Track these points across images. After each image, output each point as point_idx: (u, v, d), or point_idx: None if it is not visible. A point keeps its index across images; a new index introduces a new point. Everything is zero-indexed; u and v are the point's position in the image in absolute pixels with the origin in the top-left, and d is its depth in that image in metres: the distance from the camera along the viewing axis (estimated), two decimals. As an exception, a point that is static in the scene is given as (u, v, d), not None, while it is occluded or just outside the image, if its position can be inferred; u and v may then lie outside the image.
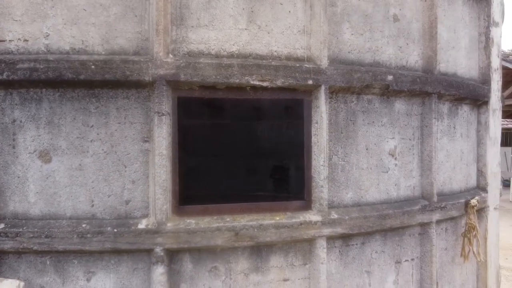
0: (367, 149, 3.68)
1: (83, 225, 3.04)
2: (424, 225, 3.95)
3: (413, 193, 3.96)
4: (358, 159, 3.64)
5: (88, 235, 3.00)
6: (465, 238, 4.31)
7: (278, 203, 3.44)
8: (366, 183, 3.68)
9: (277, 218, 3.32)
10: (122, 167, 3.13)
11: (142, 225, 3.08)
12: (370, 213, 3.58)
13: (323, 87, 3.38)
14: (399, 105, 3.85)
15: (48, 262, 3.06)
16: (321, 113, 3.39)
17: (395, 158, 3.82)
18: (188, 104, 3.80)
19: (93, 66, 3.00)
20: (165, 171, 3.08)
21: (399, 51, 3.82)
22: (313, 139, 3.45)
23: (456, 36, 4.32)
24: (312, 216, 3.41)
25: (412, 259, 3.95)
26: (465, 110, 4.51)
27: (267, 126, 6.80)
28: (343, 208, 3.59)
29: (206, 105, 6.41)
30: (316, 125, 3.43)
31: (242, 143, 6.73)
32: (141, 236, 3.04)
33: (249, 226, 3.21)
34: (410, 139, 3.92)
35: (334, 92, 3.52)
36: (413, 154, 3.94)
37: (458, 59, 4.36)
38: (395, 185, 3.83)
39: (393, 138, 3.80)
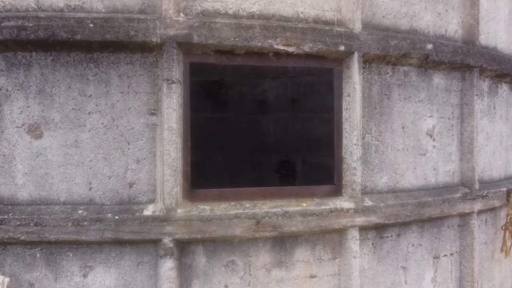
0: (403, 128, 3.23)
1: (79, 211, 2.59)
2: (465, 216, 3.50)
3: (452, 179, 3.51)
4: (393, 139, 3.19)
5: (85, 223, 2.55)
6: (506, 232, 3.86)
7: (305, 188, 2.99)
8: (402, 166, 3.23)
9: (304, 205, 2.87)
10: (125, 144, 2.68)
11: (148, 211, 2.63)
12: (408, 200, 3.13)
13: (356, 55, 2.93)
14: (438, 79, 3.40)
15: (38, 255, 2.61)
16: (354, 84, 2.94)
17: (433, 139, 3.37)
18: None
19: (91, 25, 2.56)
20: (175, 148, 2.63)
21: (437, 18, 3.38)
22: (344, 114, 3.00)
23: (496, 6, 3.87)
24: (344, 202, 2.96)
25: (451, 254, 3.50)
26: (504, 90, 4.06)
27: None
28: (377, 194, 3.14)
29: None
30: (347, 98, 2.98)
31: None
32: (147, 224, 2.59)
33: (272, 214, 2.76)
34: (449, 118, 3.47)
35: (367, 62, 3.07)
36: (452, 135, 3.49)
37: (498, 32, 3.92)
38: (433, 169, 3.38)
39: (431, 116, 3.35)
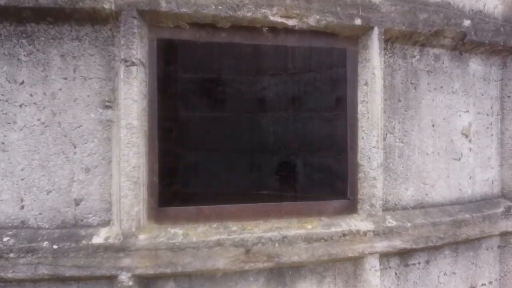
0: (433, 126, 2.55)
1: (5, 239, 1.90)
2: (506, 235, 2.82)
3: (491, 189, 2.83)
4: (422, 140, 2.52)
5: (11, 255, 1.87)
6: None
7: (309, 204, 2.31)
8: (432, 174, 2.55)
9: (309, 227, 2.19)
10: (70, 147, 2.00)
11: (99, 238, 1.95)
12: (440, 217, 2.45)
13: (376, 31, 2.25)
14: (475, 65, 2.72)
15: (-49, 296, 1.93)
16: (373, 70, 2.26)
17: (470, 140, 2.70)
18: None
19: (21, -15, 1.88)
20: (135, 152, 1.95)
21: (474, -11, 2.70)
22: (360, 108, 2.32)
23: (539, -21, 3.19)
24: (360, 223, 2.28)
25: (490, 283, 2.82)
26: (547, 80, 3.38)
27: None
28: (401, 210, 2.46)
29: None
30: (364, 87, 2.30)
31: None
32: (97, 256, 1.91)
33: (266, 239, 2.08)
34: (487, 114, 2.79)
35: (389, 41, 2.40)
36: (492, 135, 2.82)
37: (541, 11, 3.24)
38: (469, 177, 2.71)
39: (466, 111, 2.68)
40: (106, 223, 2.03)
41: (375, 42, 2.25)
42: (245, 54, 5.47)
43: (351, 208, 2.34)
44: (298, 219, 2.24)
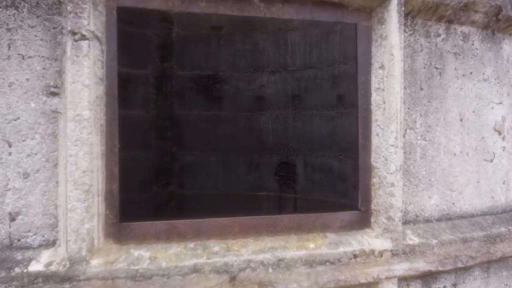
0: (461, 120, 2.10)
1: None
2: (545, 250, 2.37)
3: (527, 196, 2.38)
4: (448, 137, 2.07)
5: None
6: None
7: (311, 217, 1.85)
8: (460, 179, 2.10)
9: (311, 246, 1.74)
10: (3, 145, 1.55)
11: (39, 264, 1.49)
12: (472, 232, 2.00)
13: (394, 1, 1.80)
14: (510, 47, 2.27)
15: None
16: (391, 49, 1.81)
17: (503, 138, 2.25)
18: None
19: None
20: (87, 153, 1.50)
21: (508, -43, 2.25)
22: (375, 97, 1.87)
23: None
24: (375, 240, 1.83)
25: (526, 307, 2.37)
26: None
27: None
28: (424, 223, 2.01)
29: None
30: (380, 71, 1.85)
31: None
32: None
33: (257, 263, 1.63)
34: (523, 107, 2.34)
35: (410, 15, 1.95)
36: (528, 131, 2.37)
37: None
38: (503, 182, 2.26)
39: (500, 103, 2.23)
40: (51, 243, 1.58)
41: (393, 15, 1.80)
42: (243, 50, 5.15)
43: (363, 221, 1.89)
44: (298, 236, 1.79)
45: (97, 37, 1.55)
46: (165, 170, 4.27)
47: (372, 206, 1.89)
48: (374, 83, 1.87)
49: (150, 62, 4.08)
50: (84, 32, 1.49)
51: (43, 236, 1.58)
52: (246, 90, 5.89)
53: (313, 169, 5.40)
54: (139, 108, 3.95)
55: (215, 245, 1.68)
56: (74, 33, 1.48)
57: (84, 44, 1.49)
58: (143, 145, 3.89)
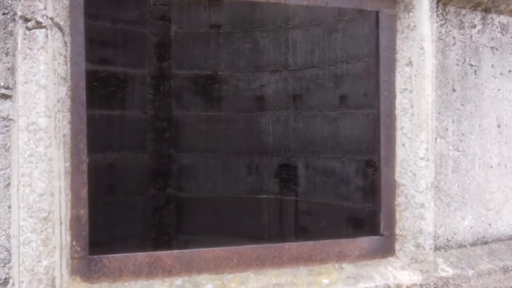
0: (498, 127, 1.79)
1: None
2: None
3: None
4: (484, 147, 1.76)
5: None
6: None
7: (324, 244, 1.53)
8: (498, 195, 1.79)
9: (325, 282, 1.42)
10: None
11: (-17, 312, 1.18)
12: (512, 259, 1.69)
13: (425, -16, 1.48)
14: (552, 41, 1.95)
15: None
16: (421, 42, 1.50)
17: (545, 147, 1.93)
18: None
19: None
20: (45, 171, 1.19)
21: None
22: (401, 99, 1.55)
23: None
24: (401, 271, 1.51)
25: None
26: None
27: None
28: (457, 249, 1.70)
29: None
30: (407, 69, 1.54)
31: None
32: None
33: (260, 305, 1.31)
34: None
35: (441, 1, 1.64)
36: None
37: None
38: (545, 199, 1.94)
39: (541, 106, 1.91)
40: (2, 283, 1.27)
41: (423, 0, 1.48)
42: (243, 49, 4.95)
43: (387, 248, 1.58)
44: (308, 269, 1.48)
45: (58, 26, 1.23)
46: (162, 172, 4.10)
47: (397, 231, 1.57)
48: (400, 83, 1.55)
49: (147, 61, 3.87)
50: (39, 19, 1.17)
51: (-9, 275, 1.26)
52: (246, 90, 5.71)
53: (315, 171, 5.20)
54: (136, 108, 3.77)
55: (208, 282, 1.37)
56: (26, 20, 1.17)
57: (40, 33, 1.18)
58: (140, 146, 3.72)
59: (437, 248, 1.66)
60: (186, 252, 1.39)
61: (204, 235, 4.24)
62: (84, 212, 1.31)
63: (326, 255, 1.52)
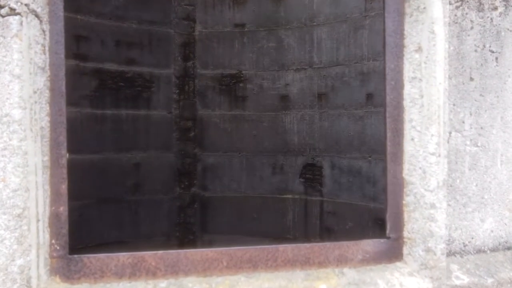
0: (523, 120, 1.61)
1: None
2: None
3: None
4: (507, 142, 1.59)
5: None
6: None
7: (323, 247, 1.42)
8: (523, 196, 1.61)
9: (323, 287, 1.31)
10: None
11: (-44, 311, 1.14)
12: (539, 267, 1.51)
13: (436, -41, 1.34)
14: None
15: None
16: (432, 25, 1.35)
17: None
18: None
19: None
20: (19, 165, 1.13)
21: None
22: (409, 89, 1.41)
23: None
24: (409, 278, 1.38)
25: None
26: None
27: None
28: (475, 255, 1.54)
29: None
30: (416, 56, 1.40)
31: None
32: None
33: (248, 311, 1.22)
34: None
35: (456, -20, 1.49)
36: None
37: None
38: None
39: None
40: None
41: (434, -20, 1.34)
42: (267, 48, 4.97)
43: (393, 253, 1.44)
44: (305, 273, 1.36)
45: (34, 13, 1.18)
46: (187, 172, 4.20)
47: (405, 233, 1.43)
48: (408, 71, 1.41)
49: (172, 61, 3.93)
50: (13, 5, 1.12)
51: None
52: (270, 89, 5.71)
53: (341, 171, 5.14)
54: (162, 108, 3.85)
55: (195, 285, 1.28)
56: (0, 7, 1.12)
57: (14, 20, 1.12)
58: (165, 146, 3.83)
59: (451, 253, 1.51)
60: (172, 252, 1.31)
61: (229, 234, 4.21)
62: (64, 209, 1.25)
63: (325, 259, 1.40)
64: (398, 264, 1.45)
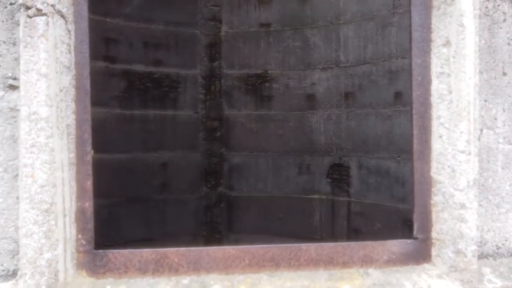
0: (561, 116, 1.53)
1: None
2: None
3: None
4: (543, 140, 1.51)
5: None
6: None
7: (347, 246, 1.39)
8: (561, 197, 1.53)
9: (346, 287, 1.28)
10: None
11: (-13, 302, 1.18)
12: None
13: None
14: None
15: None
16: (461, 18, 1.30)
17: None
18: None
19: None
20: (46, 161, 1.16)
21: None
22: (437, 85, 1.37)
23: None
24: (437, 281, 1.33)
25: None
26: None
27: None
28: (509, 258, 1.47)
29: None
30: (444, 50, 1.35)
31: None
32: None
33: (270, 310, 1.20)
34: None
35: (487, -28, 1.43)
36: None
37: None
38: None
39: None
40: (11, 274, 1.26)
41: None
42: (293, 47, 4.93)
43: (421, 254, 1.40)
44: (328, 273, 1.34)
45: (60, 13, 1.21)
46: (214, 171, 4.22)
47: (433, 234, 1.39)
48: (436, 67, 1.37)
49: (198, 61, 3.97)
50: (39, 6, 1.15)
51: (2, 265, 1.26)
52: (296, 89, 5.65)
53: (369, 171, 5.04)
54: (188, 108, 3.87)
55: (216, 283, 1.28)
56: (27, 8, 1.15)
57: (40, 21, 1.15)
58: (192, 146, 3.85)
59: (483, 256, 1.45)
60: (194, 249, 1.31)
61: (255, 234, 4.19)
62: (89, 204, 1.27)
63: (349, 259, 1.37)
64: (426, 265, 1.40)
